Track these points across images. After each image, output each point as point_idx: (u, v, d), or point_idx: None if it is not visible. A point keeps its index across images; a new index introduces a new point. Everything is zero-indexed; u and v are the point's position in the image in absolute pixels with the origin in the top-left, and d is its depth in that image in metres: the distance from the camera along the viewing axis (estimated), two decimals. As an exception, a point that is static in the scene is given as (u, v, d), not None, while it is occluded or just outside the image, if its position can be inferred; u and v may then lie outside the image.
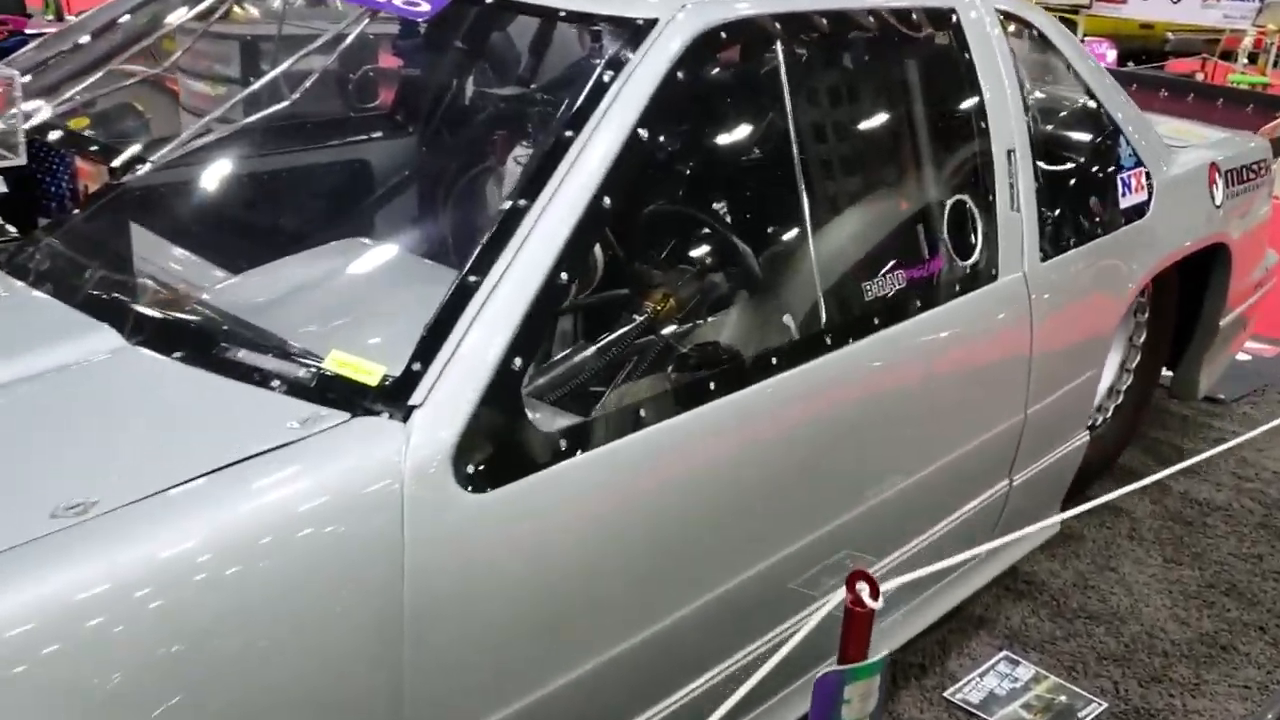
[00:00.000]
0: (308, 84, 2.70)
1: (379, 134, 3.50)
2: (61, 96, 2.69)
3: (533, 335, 1.89)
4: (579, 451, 1.90)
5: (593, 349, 2.06)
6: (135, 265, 2.24)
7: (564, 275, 1.93)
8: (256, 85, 2.56)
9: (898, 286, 2.54)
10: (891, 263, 2.55)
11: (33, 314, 2.04)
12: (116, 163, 2.39)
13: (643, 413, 1.99)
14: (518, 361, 1.85)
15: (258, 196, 2.94)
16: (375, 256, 2.55)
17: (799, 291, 2.39)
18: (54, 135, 2.52)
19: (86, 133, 2.59)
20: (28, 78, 2.61)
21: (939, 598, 3.06)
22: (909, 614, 2.95)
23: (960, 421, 2.82)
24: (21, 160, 2.22)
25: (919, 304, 2.58)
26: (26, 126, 2.28)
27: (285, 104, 2.53)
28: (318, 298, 2.22)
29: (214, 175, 2.63)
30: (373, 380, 1.81)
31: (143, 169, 2.36)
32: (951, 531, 2.89)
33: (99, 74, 2.80)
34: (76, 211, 2.35)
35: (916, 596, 2.94)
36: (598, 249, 2.15)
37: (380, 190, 3.33)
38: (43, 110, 2.65)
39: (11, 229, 2.33)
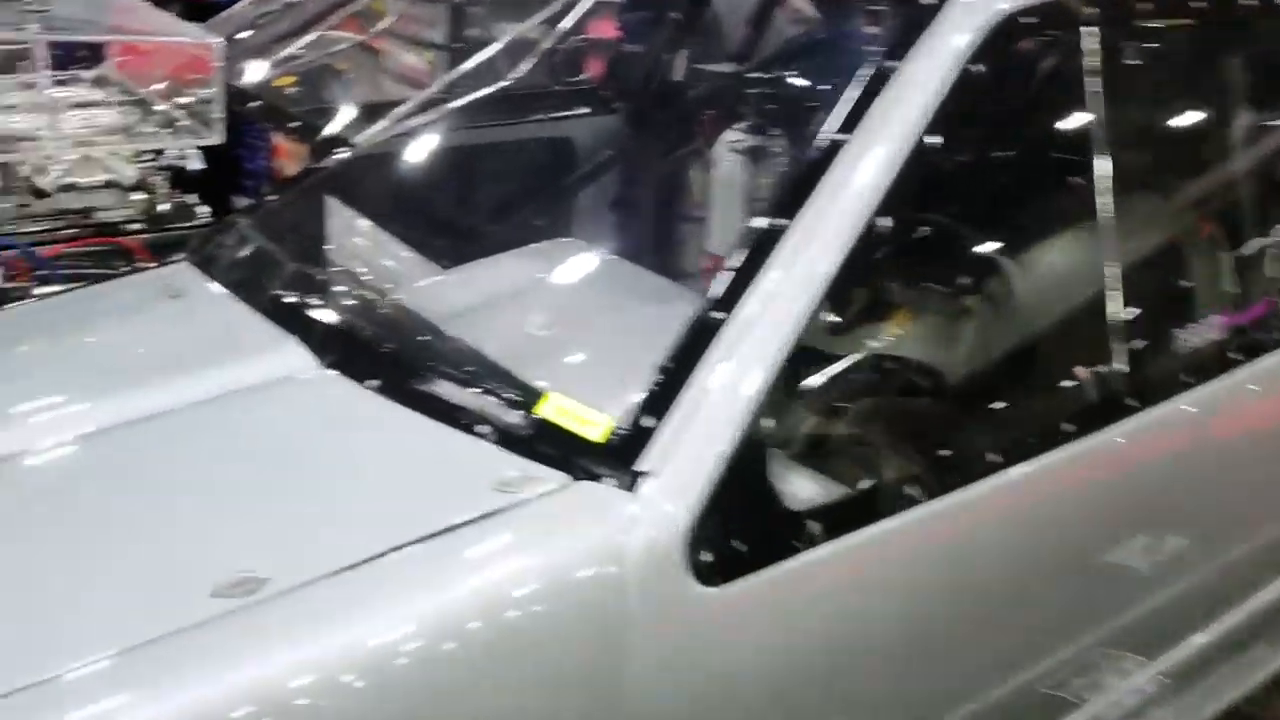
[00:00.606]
0: (534, 57, 2.43)
1: (584, 110, 3.17)
2: (265, 64, 2.48)
3: (788, 391, 1.54)
4: (837, 536, 1.54)
5: (855, 409, 1.69)
6: (329, 265, 2.00)
7: (828, 318, 1.57)
8: (474, 60, 2.28)
9: (1219, 334, 2.08)
10: (1215, 304, 2.09)
11: (216, 318, 1.81)
12: (317, 142, 2.16)
13: (917, 489, 1.62)
14: (768, 423, 1.50)
15: (459, 178, 2.68)
16: (589, 264, 2.24)
17: (1097, 341, 1.96)
18: (254, 107, 2.31)
19: (289, 107, 2.37)
20: (247, 33, 2.41)
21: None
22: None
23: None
24: (219, 139, 2.00)
25: (1242, 355, 2.11)
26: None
27: (507, 79, 2.24)
28: (528, 316, 1.92)
29: (415, 158, 2.36)
30: (596, 435, 1.50)
31: (343, 151, 2.12)
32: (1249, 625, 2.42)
33: (306, 38, 2.59)
34: (272, 197, 2.12)
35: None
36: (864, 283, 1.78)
37: (583, 173, 3.03)
38: (246, 78, 2.46)
39: (204, 210, 2.12)
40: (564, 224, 2.84)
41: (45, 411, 1.56)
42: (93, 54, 2.28)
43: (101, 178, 1.95)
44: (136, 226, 2.02)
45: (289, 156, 2.28)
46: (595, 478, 1.45)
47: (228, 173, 2.31)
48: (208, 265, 1.90)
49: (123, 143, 2.00)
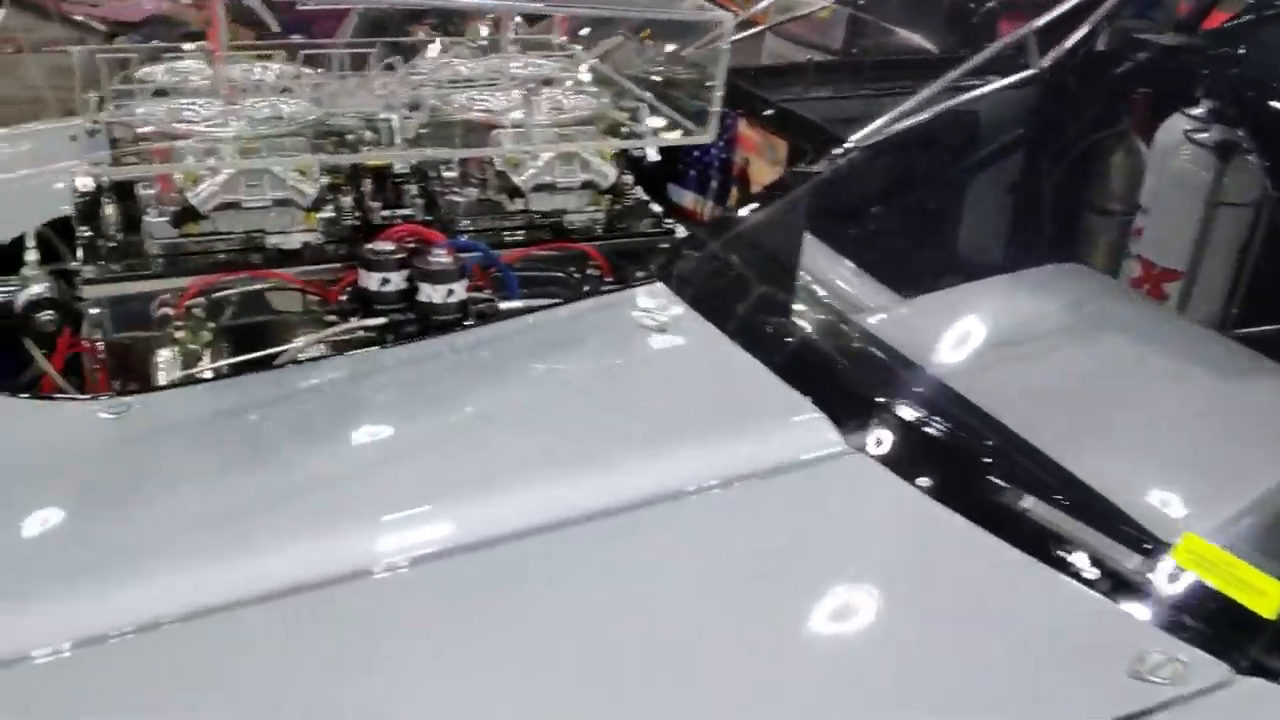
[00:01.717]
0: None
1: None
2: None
3: None
4: None
5: None
6: (848, 308, 1.65)
7: None
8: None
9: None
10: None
11: (709, 366, 1.51)
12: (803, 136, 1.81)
13: None
14: None
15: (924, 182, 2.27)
16: (1116, 305, 1.80)
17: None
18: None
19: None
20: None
21: None
22: None
23: None
24: (710, 138, 1.68)
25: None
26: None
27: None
28: (1097, 393, 1.51)
29: (917, 159, 1.97)
30: (1270, 611, 1.09)
31: (837, 150, 1.76)
32: None
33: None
34: (754, 206, 1.78)
35: None
36: None
37: (992, 152, 2.53)
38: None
39: (655, 207, 1.83)
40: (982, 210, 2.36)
41: (512, 484, 1.29)
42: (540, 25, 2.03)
43: (580, 178, 1.67)
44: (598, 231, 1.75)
45: (755, 150, 1.95)
46: (1271, 675, 1.05)
47: (667, 160, 2.01)
48: (688, 290, 1.60)
49: (601, 136, 1.72)
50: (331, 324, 1.60)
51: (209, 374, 1.53)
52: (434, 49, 1.95)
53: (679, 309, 1.58)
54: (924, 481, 1.27)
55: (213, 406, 1.41)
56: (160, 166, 1.52)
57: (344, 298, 1.61)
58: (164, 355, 1.58)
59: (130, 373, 1.60)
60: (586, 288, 1.76)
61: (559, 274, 1.77)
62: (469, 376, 1.48)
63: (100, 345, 1.56)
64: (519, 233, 1.72)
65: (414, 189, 1.74)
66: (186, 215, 1.49)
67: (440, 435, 1.37)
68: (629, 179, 1.75)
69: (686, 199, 2.14)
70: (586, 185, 1.70)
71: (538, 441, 1.35)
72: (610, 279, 1.76)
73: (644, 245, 1.79)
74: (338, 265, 1.62)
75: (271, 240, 1.57)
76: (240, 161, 1.51)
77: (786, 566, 1.20)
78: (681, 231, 1.75)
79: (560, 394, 1.43)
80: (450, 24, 3.41)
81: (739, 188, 2.00)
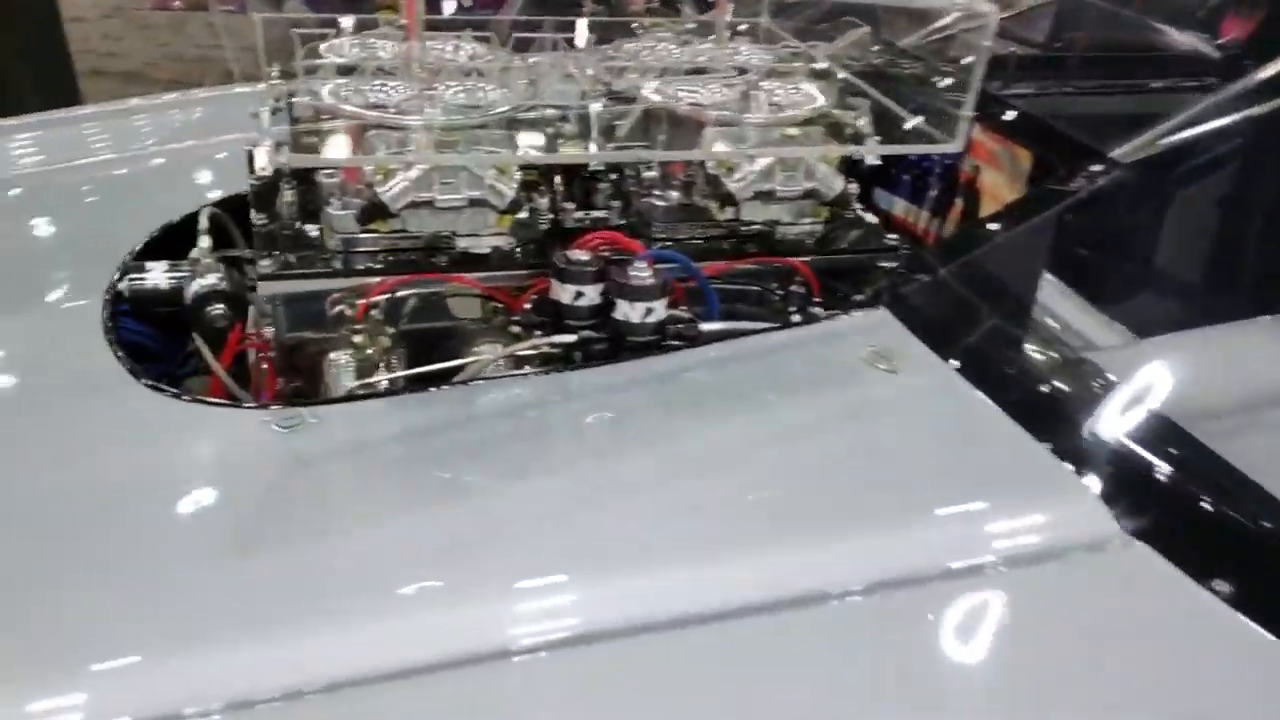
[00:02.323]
0: None
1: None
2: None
3: None
4: None
5: None
6: (1072, 339, 1.43)
7: None
8: None
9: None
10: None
11: (952, 417, 1.30)
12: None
13: None
14: None
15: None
16: None
17: None
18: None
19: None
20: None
21: None
22: None
23: None
24: (959, 147, 1.47)
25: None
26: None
27: None
28: None
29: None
30: None
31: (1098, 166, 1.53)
32: None
33: None
34: (994, 229, 1.57)
35: None
36: None
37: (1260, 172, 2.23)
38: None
39: (870, 218, 1.62)
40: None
41: (719, 551, 1.12)
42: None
43: (803, 186, 1.48)
44: (809, 245, 1.56)
45: (989, 158, 1.73)
46: None
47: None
48: (917, 322, 1.40)
49: (828, 139, 1.52)
50: (516, 336, 1.46)
51: (385, 384, 1.41)
52: (627, 42, 1.78)
53: (908, 344, 1.38)
54: (1221, 586, 1.06)
55: (388, 427, 1.28)
56: (351, 158, 1.39)
57: (528, 306, 1.46)
58: (337, 359, 1.45)
59: (298, 372, 1.49)
60: (793, 309, 1.58)
61: (759, 289, 1.59)
62: (667, 413, 1.31)
63: (270, 343, 1.45)
64: (720, 243, 1.55)
65: (607, 186, 1.58)
66: (374, 212, 1.35)
67: (635, 484, 1.20)
68: (854, 188, 1.55)
69: (897, 206, 1.93)
70: (808, 195, 1.51)
71: (748, 502, 1.17)
72: (818, 299, 1.58)
73: (862, 263, 1.60)
74: (525, 271, 1.48)
75: (460, 243, 1.42)
76: (437, 156, 1.36)
77: (1059, 676, 1.01)
78: (891, 243, 1.55)
79: (773, 445, 1.25)
80: (612, 2, 3.25)
81: (966, 200, 1.78)
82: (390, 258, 1.44)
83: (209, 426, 1.30)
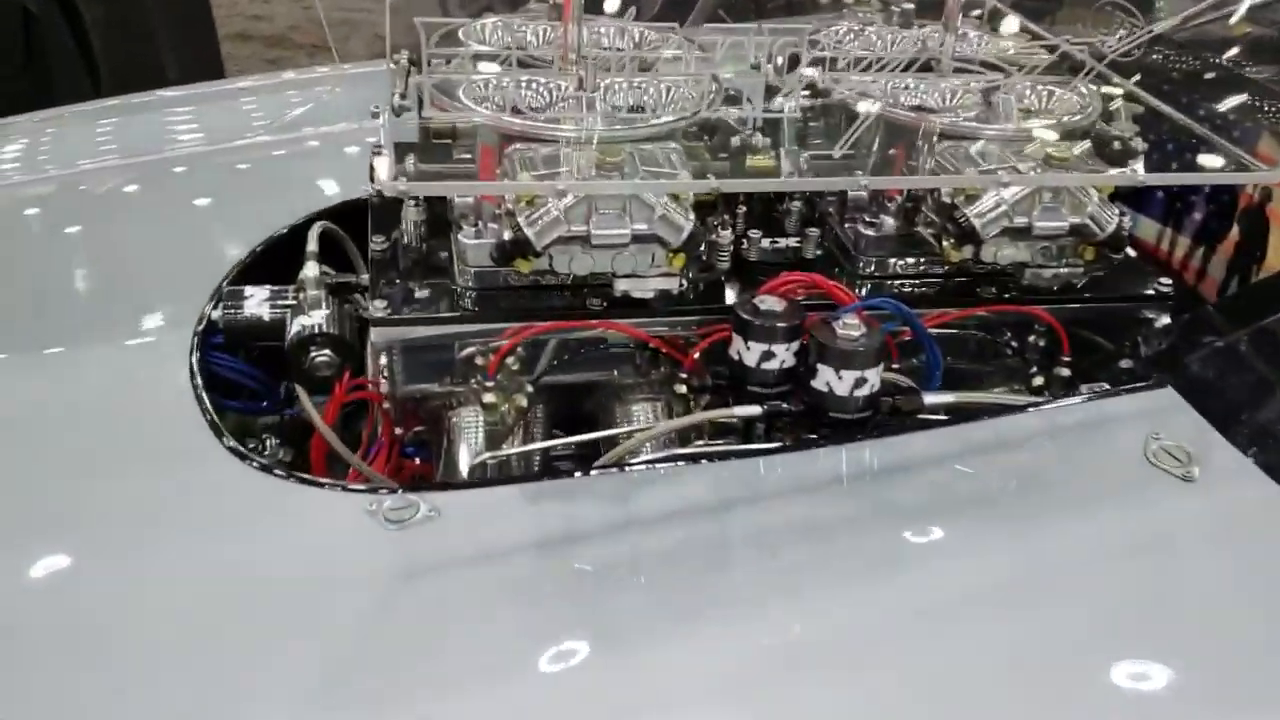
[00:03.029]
0: None
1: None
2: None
3: None
4: None
5: None
6: None
7: None
8: None
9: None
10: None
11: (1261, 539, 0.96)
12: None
13: None
14: None
15: None
16: None
17: None
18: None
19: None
20: None
21: None
22: None
23: None
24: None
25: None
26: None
27: None
28: None
29: None
30: None
31: None
32: None
33: None
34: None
35: None
36: None
37: None
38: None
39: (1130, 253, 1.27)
40: None
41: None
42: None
43: (1068, 221, 1.14)
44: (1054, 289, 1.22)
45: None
46: None
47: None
48: (1213, 407, 1.05)
49: (1097, 161, 1.18)
50: (685, 400, 1.16)
51: (518, 461, 1.14)
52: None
53: (1204, 437, 1.04)
54: None
55: (522, 529, 0.99)
56: (484, 184, 1.10)
57: (696, 356, 1.17)
58: (464, 418, 1.18)
59: (414, 418, 1.23)
60: (1033, 370, 1.25)
61: (985, 341, 1.26)
62: (888, 531, 0.99)
63: (385, 398, 1.19)
64: (945, 283, 1.22)
65: (799, 207, 1.27)
66: (514, 249, 1.06)
67: (844, 643, 0.89)
68: (1128, 224, 1.19)
69: (1145, 227, 1.56)
70: (1074, 233, 1.17)
71: (1005, 680, 0.85)
72: (1067, 357, 1.24)
73: (1120, 313, 1.25)
74: (693, 316, 1.18)
75: (620, 285, 1.13)
76: (597, 184, 1.07)
77: None
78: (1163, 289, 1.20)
79: (1040, 589, 0.92)
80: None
81: (1247, 230, 1.40)
82: (532, 301, 1.15)
83: (301, 512, 1.04)
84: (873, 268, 1.24)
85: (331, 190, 1.60)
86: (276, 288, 1.29)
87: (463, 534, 0.99)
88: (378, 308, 1.11)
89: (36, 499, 1.06)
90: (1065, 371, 1.24)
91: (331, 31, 6.46)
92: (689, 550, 0.98)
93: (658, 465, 1.06)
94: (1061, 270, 1.20)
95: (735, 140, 1.18)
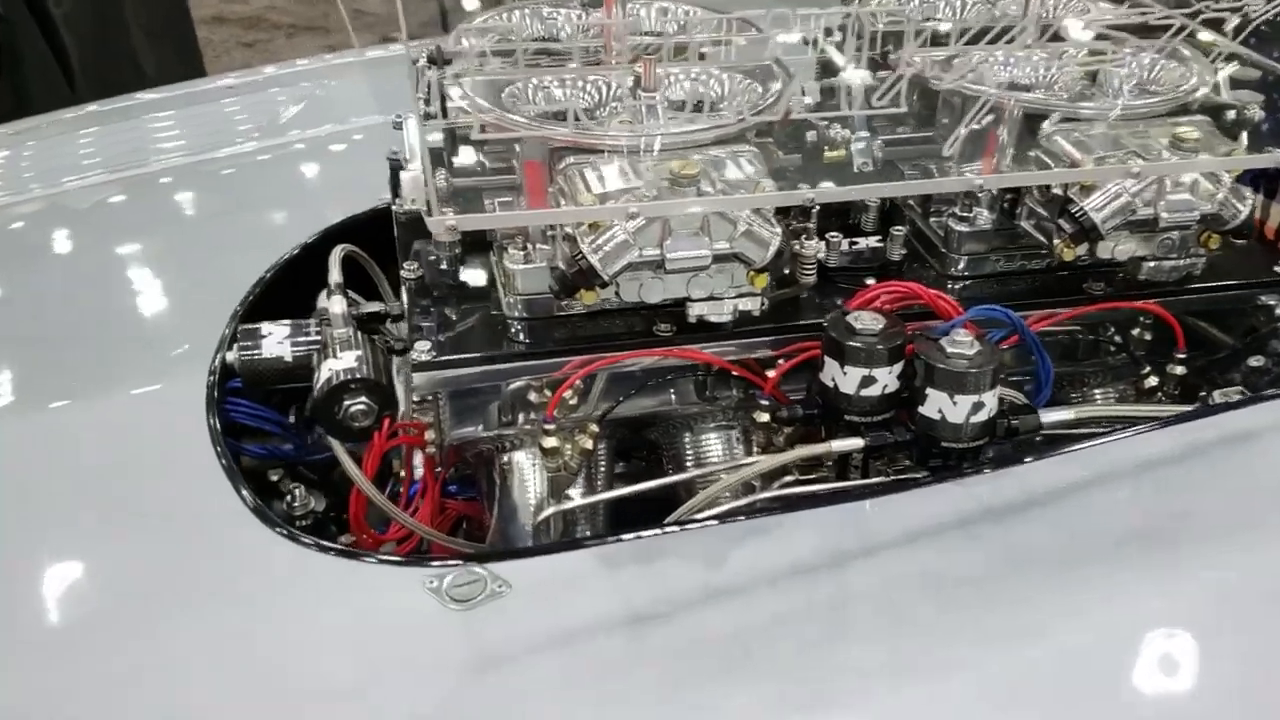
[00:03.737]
0: None
1: None
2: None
3: None
4: None
5: None
6: None
7: None
8: None
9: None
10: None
11: None
12: None
13: None
14: None
15: None
16: None
17: None
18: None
19: None
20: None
21: None
22: None
23: None
24: None
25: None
26: None
27: None
28: None
29: None
30: None
31: None
32: None
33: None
34: None
35: None
36: None
37: None
38: None
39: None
40: None
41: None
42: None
43: (1199, 210, 0.99)
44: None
45: None
46: None
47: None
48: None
49: (1223, 143, 1.03)
50: (765, 427, 1.03)
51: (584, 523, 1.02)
52: None
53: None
54: None
55: (606, 598, 0.87)
56: (545, 214, 0.95)
57: (770, 374, 1.03)
58: (521, 465, 1.05)
59: (455, 458, 1.10)
60: (1145, 371, 1.12)
61: (1088, 339, 1.13)
62: (1032, 578, 0.86)
63: (431, 446, 1.06)
64: (1046, 279, 1.09)
65: (876, 201, 1.12)
66: (580, 280, 0.92)
67: None
68: (1249, 198, 1.05)
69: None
70: (1205, 222, 1.03)
71: None
72: (1182, 354, 1.11)
73: (1235, 303, 1.12)
74: (772, 336, 1.04)
75: (696, 310, 0.99)
76: (673, 203, 0.92)
77: None
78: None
79: (1204, 634, 0.80)
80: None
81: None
82: (587, 328, 1.02)
83: (354, 591, 0.91)
84: (965, 266, 1.11)
85: (337, 200, 1.46)
86: (294, 322, 1.15)
87: (537, 610, 0.87)
88: (421, 351, 0.98)
89: (62, 579, 0.94)
90: (1180, 370, 1.11)
91: (309, 10, 6.27)
92: (800, 620, 0.85)
93: (749, 516, 0.93)
94: (1183, 262, 1.06)
95: (811, 135, 1.04)
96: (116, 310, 1.31)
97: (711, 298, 0.97)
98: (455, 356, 0.99)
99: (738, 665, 0.82)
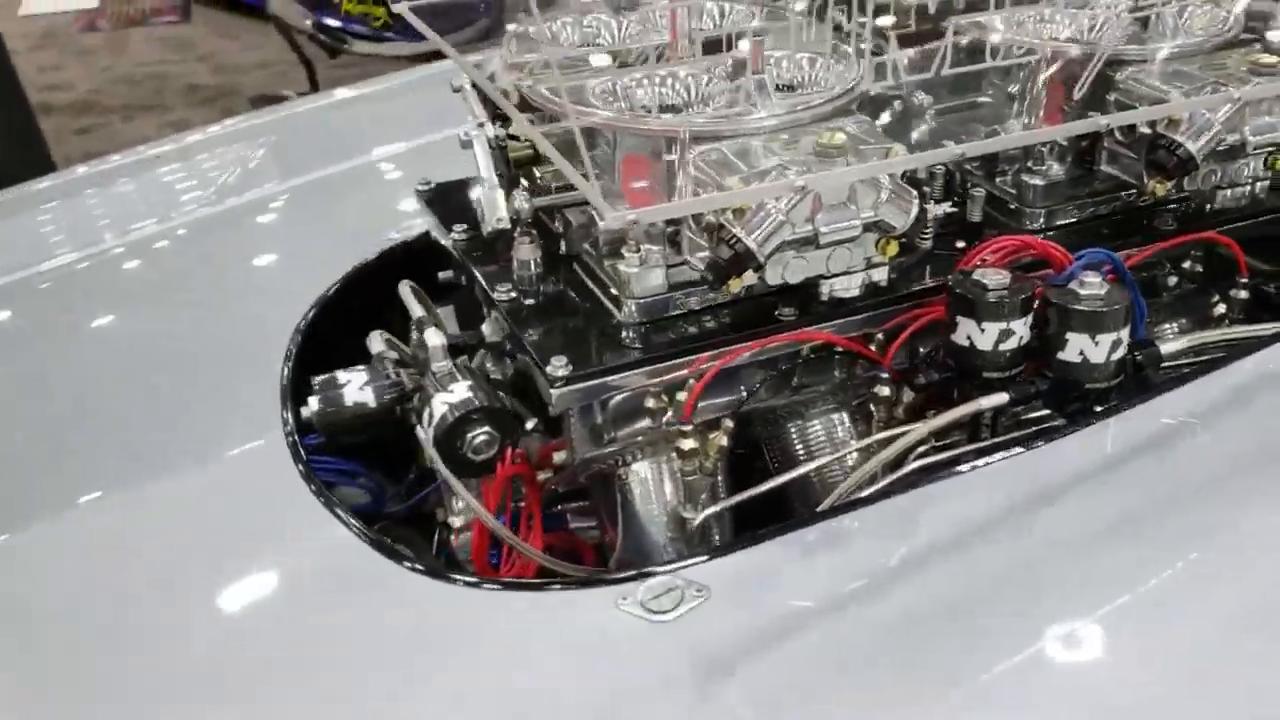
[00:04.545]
0: None
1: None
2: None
3: None
4: None
5: None
6: None
7: None
8: None
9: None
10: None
11: None
12: None
13: None
14: None
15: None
16: None
17: None
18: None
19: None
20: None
21: None
22: None
23: None
24: None
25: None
26: None
27: None
28: None
29: None
30: None
31: None
32: None
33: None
34: None
35: None
36: None
37: None
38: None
39: None
40: None
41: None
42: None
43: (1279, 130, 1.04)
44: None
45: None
46: None
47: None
48: None
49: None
50: (885, 403, 1.02)
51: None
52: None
53: None
54: None
55: (805, 588, 0.84)
56: (720, 197, 0.89)
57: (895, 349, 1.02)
58: (642, 472, 1.02)
59: (572, 479, 1.05)
60: (1215, 300, 1.16)
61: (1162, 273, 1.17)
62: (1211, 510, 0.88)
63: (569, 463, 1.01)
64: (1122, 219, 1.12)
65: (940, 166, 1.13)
66: (735, 265, 0.89)
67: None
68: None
69: None
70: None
71: None
72: (1244, 279, 1.15)
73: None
74: (894, 306, 1.03)
75: (826, 286, 0.98)
76: (840, 171, 0.88)
77: None
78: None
79: None
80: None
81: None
82: (702, 324, 0.99)
83: (547, 625, 0.86)
84: (1042, 220, 1.12)
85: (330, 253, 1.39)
86: (362, 368, 1.09)
87: (747, 608, 0.84)
88: (558, 365, 0.93)
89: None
90: (1243, 294, 1.16)
91: (142, 89, 6.02)
92: (1014, 570, 0.84)
93: (928, 484, 0.92)
94: (1255, 187, 1.11)
95: (896, 105, 1.05)
96: (158, 382, 1.21)
97: (844, 272, 0.96)
98: (594, 369, 0.94)
99: (960, 623, 0.81)
